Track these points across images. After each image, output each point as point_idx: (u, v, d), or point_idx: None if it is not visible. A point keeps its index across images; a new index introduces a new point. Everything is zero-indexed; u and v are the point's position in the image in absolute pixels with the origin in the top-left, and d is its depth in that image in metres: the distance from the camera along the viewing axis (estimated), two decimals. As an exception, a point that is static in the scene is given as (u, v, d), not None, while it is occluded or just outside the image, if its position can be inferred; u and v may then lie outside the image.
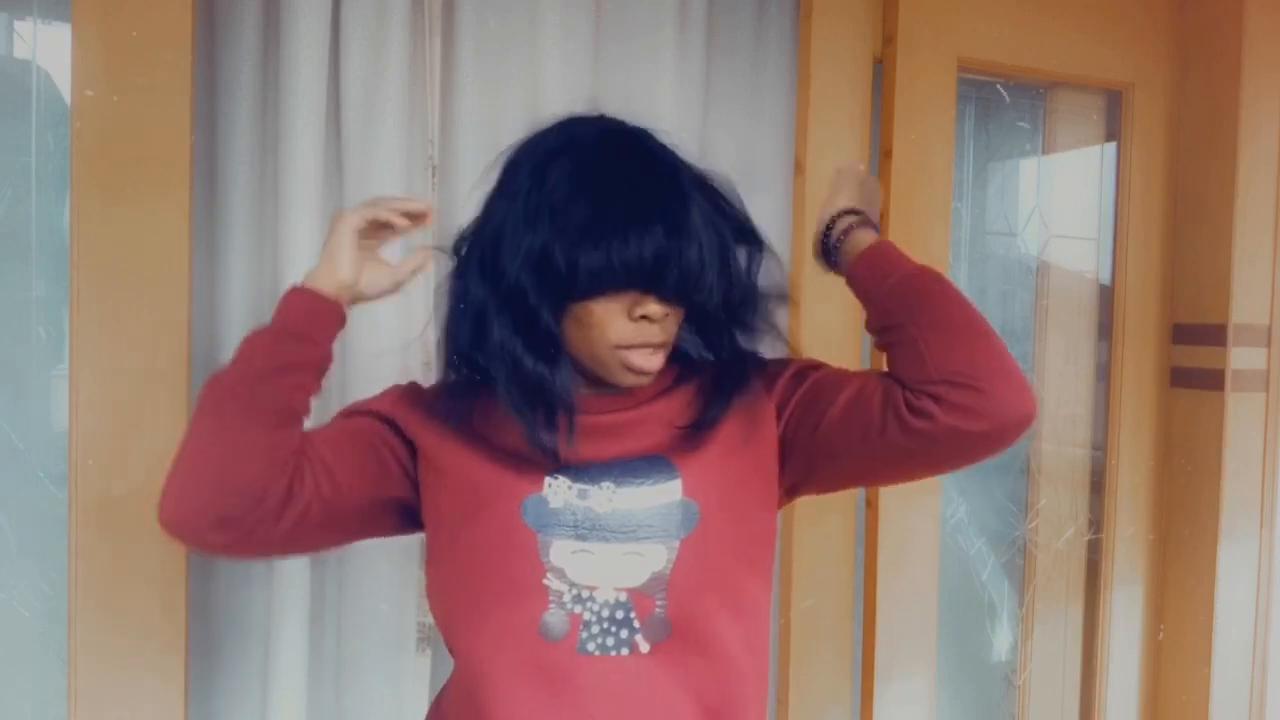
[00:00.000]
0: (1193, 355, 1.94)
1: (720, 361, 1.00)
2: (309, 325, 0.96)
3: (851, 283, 1.02)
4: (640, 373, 0.94)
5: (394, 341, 1.42)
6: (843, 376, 0.99)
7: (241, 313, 1.40)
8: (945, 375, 0.90)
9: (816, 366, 1.03)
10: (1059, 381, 1.99)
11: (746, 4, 1.68)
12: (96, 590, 1.26)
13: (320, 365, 0.97)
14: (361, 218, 0.99)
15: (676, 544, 0.92)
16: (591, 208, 0.88)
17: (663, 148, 0.96)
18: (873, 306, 0.99)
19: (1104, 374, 1.99)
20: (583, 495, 0.93)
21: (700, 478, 0.95)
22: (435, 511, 0.98)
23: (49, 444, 1.35)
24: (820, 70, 1.65)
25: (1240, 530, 1.91)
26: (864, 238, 1.03)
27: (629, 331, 0.91)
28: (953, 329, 0.93)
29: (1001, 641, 2.03)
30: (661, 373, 0.98)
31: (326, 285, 0.97)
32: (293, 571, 1.40)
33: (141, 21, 1.25)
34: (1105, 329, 1.99)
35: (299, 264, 1.36)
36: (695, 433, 0.97)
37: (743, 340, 1.00)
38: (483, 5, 1.49)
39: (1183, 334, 1.96)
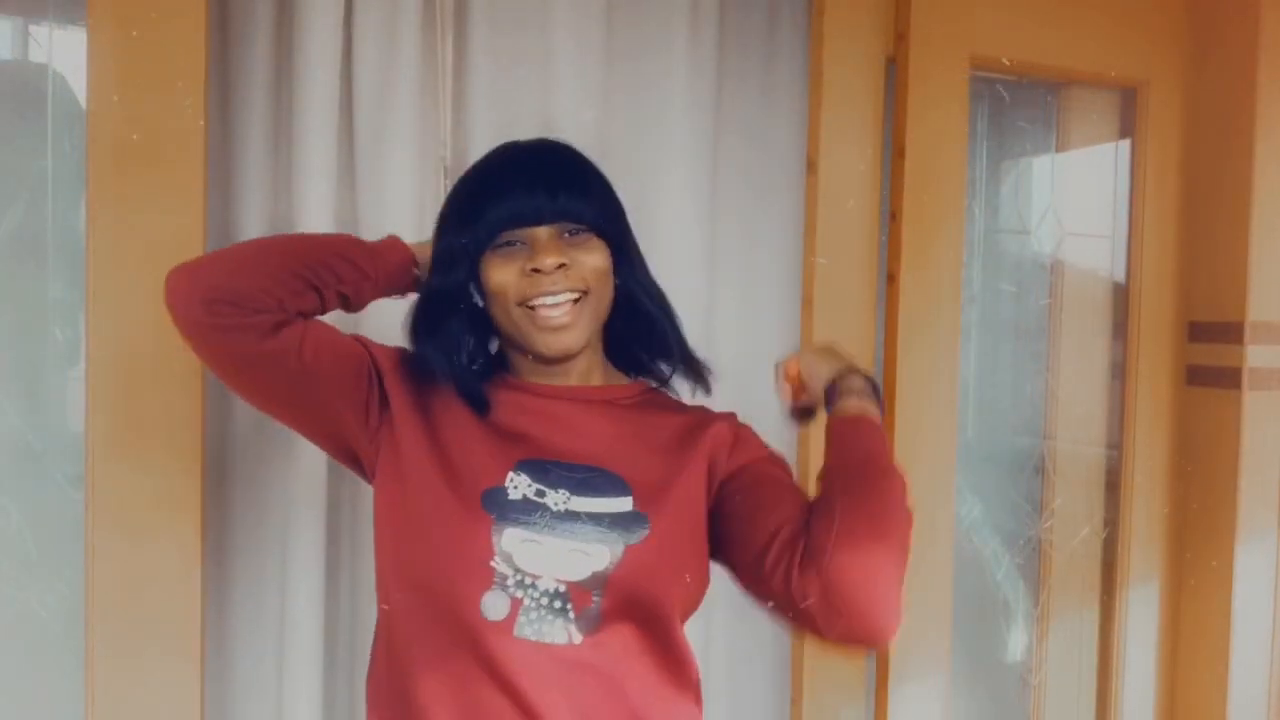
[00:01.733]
0: (1209, 353, 1.92)
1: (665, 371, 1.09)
2: (389, 256, 1.05)
3: (829, 433, 1.03)
4: (550, 327, 0.99)
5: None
6: (779, 496, 1.00)
7: (256, 314, 1.41)
8: (829, 578, 0.89)
9: (775, 461, 1.06)
10: (1073, 380, 1.98)
11: (758, 2, 1.68)
12: (113, 590, 1.27)
13: (371, 286, 1.04)
14: None
15: (621, 549, 0.97)
16: (480, 179, 1.03)
17: (566, 147, 1.06)
18: (832, 462, 1.00)
19: (1119, 372, 1.98)
20: (539, 494, 0.99)
21: (652, 495, 1.00)
22: (394, 469, 1.01)
23: (66, 445, 1.36)
24: (832, 68, 1.65)
25: (1257, 529, 1.89)
26: (852, 403, 1.03)
27: (525, 285, 0.98)
28: (868, 531, 0.92)
29: (1016, 641, 2.02)
30: (606, 385, 1.06)
31: (420, 255, 1.07)
32: (307, 570, 1.40)
33: (156, 25, 1.26)
34: (1120, 327, 1.98)
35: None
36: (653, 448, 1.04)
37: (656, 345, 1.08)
38: (494, 5, 1.49)
39: (1199, 332, 1.94)
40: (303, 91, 1.37)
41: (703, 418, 1.08)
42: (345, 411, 1.01)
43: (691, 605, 1.04)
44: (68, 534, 1.32)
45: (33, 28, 1.37)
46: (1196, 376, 1.95)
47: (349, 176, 1.44)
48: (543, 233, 0.99)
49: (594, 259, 1.01)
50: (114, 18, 1.24)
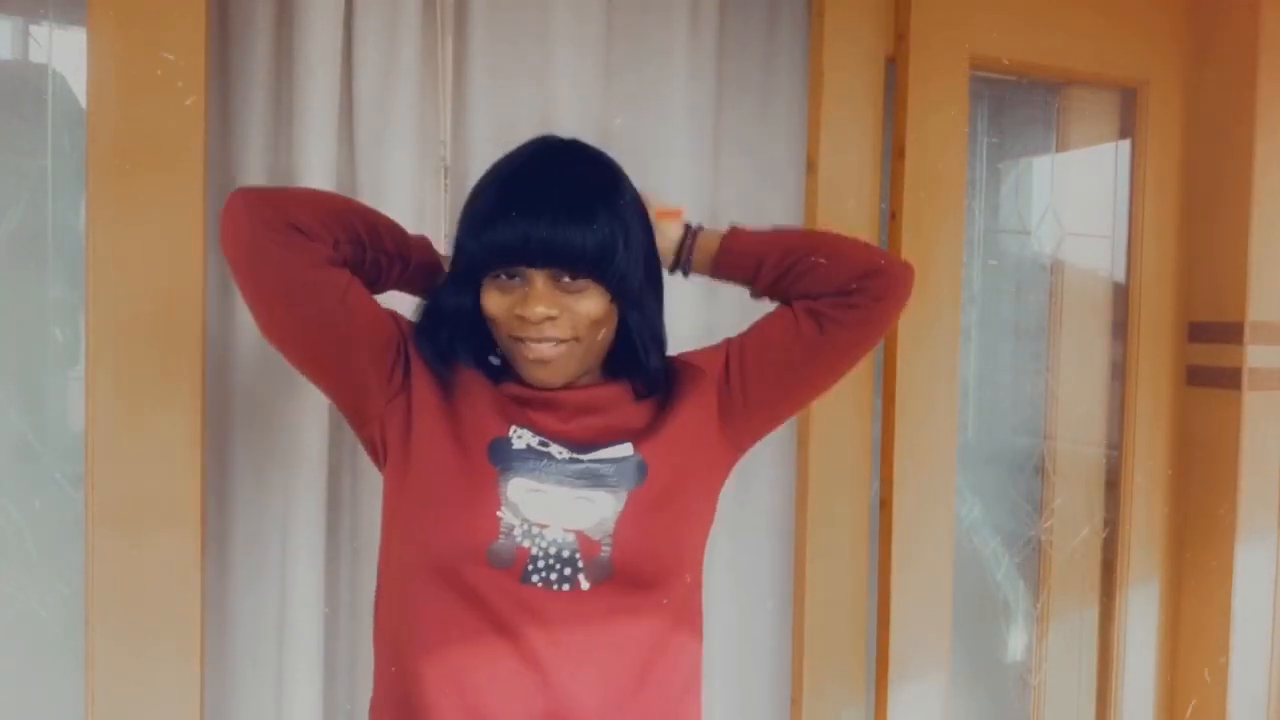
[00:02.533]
0: (1209, 353, 1.92)
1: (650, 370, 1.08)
2: (422, 255, 1.09)
3: (727, 262, 1.13)
4: (534, 360, 1.00)
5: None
6: (760, 328, 1.12)
7: (256, 314, 1.41)
8: (861, 272, 1.08)
9: (733, 339, 1.14)
10: (1074, 380, 1.98)
11: (758, 2, 1.68)
12: (113, 590, 1.27)
13: (400, 272, 1.06)
14: None
15: (625, 495, 1.00)
16: (492, 193, 1.00)
17: (589, 158, 1.05)
18: (765, 263, 1.11)
19: (1119, 373, 1.98)
20: (543, 444, 1.01)
21: (652, 444, 1.04)
22: (406, 433, 1.02)
23: (66, 445, 1.36)
24: (832, 68, 1.65)
25: (1257, 529, 1.89)
26: (710, 235, 1.14)
27: (515, 324, 0.99)
28: (832, 245, 1.11)
29: (1016, 641, 2.02)
30: (601, 381, 1.07)
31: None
32: (306, 570, 1.40)
33: (156, 25, 1.26)
34: (1120, 327, 1.98)
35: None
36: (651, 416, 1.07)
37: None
38: (494, 5, 1.49)
39: (1199, 332, 1.94)
40: (303, 91, 1.37)
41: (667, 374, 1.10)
42: (369, 369, 1.01)
43: (701, 542, 1.07)
44: (68, 534, 1.32)
45: (33, 28, 1.37)
46: (1196, 376, 1.95)
47: (349, 176, 1.44)
48: (537, 276, 0.97)
49: (587, 306, 0.98)
50: (114, 18, 1.24)
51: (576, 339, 0.99)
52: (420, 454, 1.01)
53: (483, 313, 1.01)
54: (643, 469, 1.01)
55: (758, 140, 1.68)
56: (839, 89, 1.65)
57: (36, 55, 1.36)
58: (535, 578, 0.95)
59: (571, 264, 0.96)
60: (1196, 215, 1.94)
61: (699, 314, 1.58)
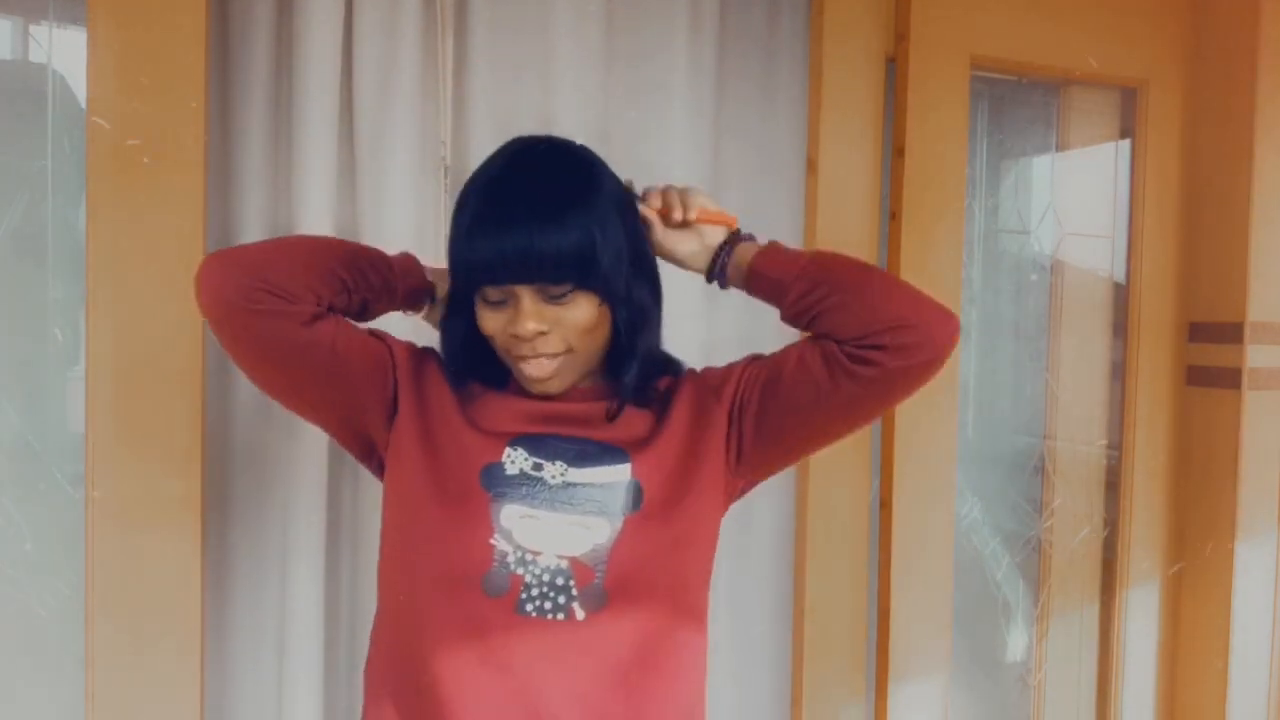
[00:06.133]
0: (1209, 353, 1.92)
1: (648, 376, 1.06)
2: (409, 279, 1.06)
3: (756, 282, 1.06)
4: (534, 379, 0.99)
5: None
6: (779, 357, 1.05)
7: (256, 314, 1.41)
8: (886, 323, 0.97)
9: (755, 359, 1.08)
10: (1074, 380, 1.98)
11: (759, 2, 1.68)
12: (113, 590, 1.27)
13: (389, 301, 1.04)
14: None
15: (621, 520, 0.97)
16: (472, 207, 0.97)
17: (560, 157, 1.02)
18: (790, 292, 1.03)
19: (1119, 372, 1.98)
20: (537, 468, 0.98)
21: (650, 465, 1.00)
22: (399, 455, 1.01)
23: (65, 445, 1.36)
24: (832, 68, 1.65)
25: (1257, 529, 1.89)
26: (748, 248, 1.07)
27: (510, 343, 0.98)
28: (871, 286, 1.00)
29: (1016, 641, 2.02)
30: (603, 390, 1.04)
31: (433, 278, 1.08)
32: (307, 571, 1.40)
33: (156, 25, 1.26)
34: (1120, 327, 1.98)
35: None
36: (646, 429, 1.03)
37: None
38: (494, 6, 1.49)
39: (1199, 332, 1.94)
40: (303, 92, 1.37)
41: (674, 385, 1.08)
42: (370, 405, 1.01)
43: (704, 568, 1.04)
44: (68, 534, 1.32)
45: (33, 28, 1.37)
46: (1196, 376, 1.95)
47: (349, 176, 1.44)
48: (524, 293, 0.95)
49: (577, 316, 0.96)
50: (114, 18, 1.24)
51: (571, 350, 0.98)
52: (415, 473, 0.99)
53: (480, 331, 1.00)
54: (638, 492, 0.98)
55: (758, 140, 1.68)
56: (839, 89, 1.65)
57: (36, 55, 1.36)
58: (529, 606, 0.94)
59: (551, 275, 0.94)
60: (1196, 215, 1.94)
61: (733, 323, 1.58)
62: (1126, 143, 1.96)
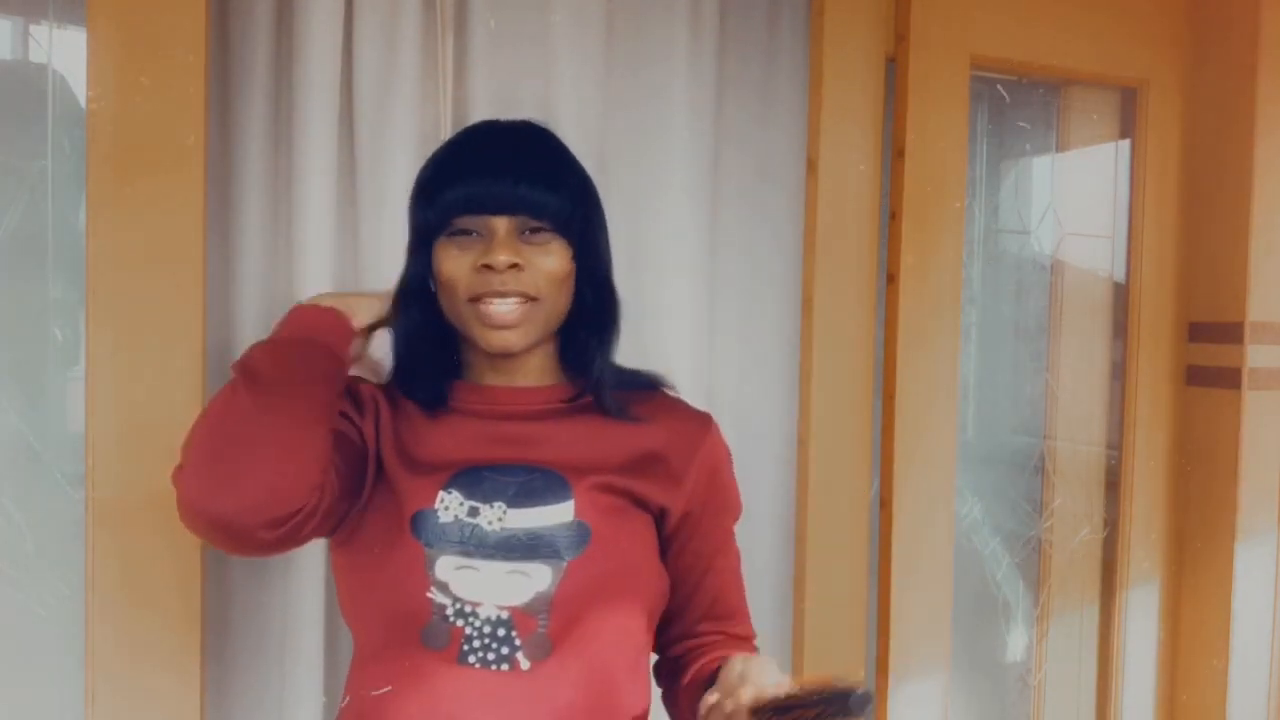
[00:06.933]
0: (1209, 353, 1.92)
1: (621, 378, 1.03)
2: (339, 343, 0.99)
3: None
4: (495, 325, 0.94)
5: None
6: (719, 587, 1.04)
7: (256, 312, 1.41)
8: None
9: (728, 533, 1.06)
10: (1074, 380, 1.98)
11: (759, 2, 1.68)
12: (113, 591, 1.27)
13: (342, 371, 0.99)
14: None
15: (564, 565, 0.92)
16: (444, 157, 0.97)
17: (543, 132, 1.01)
18: None
19: (1119, 372, 1.98)
20: (473, 513, 0.93)
21: (594, 499, 0.95)
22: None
23: (66, 445, 1.36)
24: (832, 68, 1.64)
25: (1257, 529, 1.89)
26: None
27: (476, 281, 0.94)
28: None
29: (1016, 641, 2.02)
30: (561, 385, 1.02)
31: (342, 305, 1.02)
32: (308, 570, 1.40)
33: (155, 25, 1.26)
34: (1120, 327, 1.98)
35: (313, 263, 1.37)
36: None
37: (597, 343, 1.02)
38: (495, 3, 1.49)
39: (1199, 332, 1.94)
40: (303, 91, 1.37)
41: (681, 426, 1.03)
42: (364, 492, 0.99)
43: (650, 614, 1.00)
44: (68, 534, 1.32)
45: (33, 28, 1.37)
46: (1196, 376, 1.95)
47: (349, 176, 1.44)
48: (500, 225, 0.93)
49: (551, 263, 0.95)
50: (113, 17, 1.24)
51: (537, 299, 0.95)
52: (356, 522, 0.96)
53: (438, 282, 0.96)
54: (583, 533, 0.93)
55: (757, 140, 1.68)
56: (839, 89, 1.65)
57: (36, 55, 1.36)
58: (472, 658, 0.90)
59: (536, 210, 0.92)
60: (1196, 215, 1.94)
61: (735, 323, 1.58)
62: (1126, 143, 1.96)
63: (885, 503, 1.72)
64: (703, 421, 1.06)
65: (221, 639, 1.43)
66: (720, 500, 1.06)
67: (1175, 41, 1.92)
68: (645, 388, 1.07)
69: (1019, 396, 2.01)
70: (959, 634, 1.81)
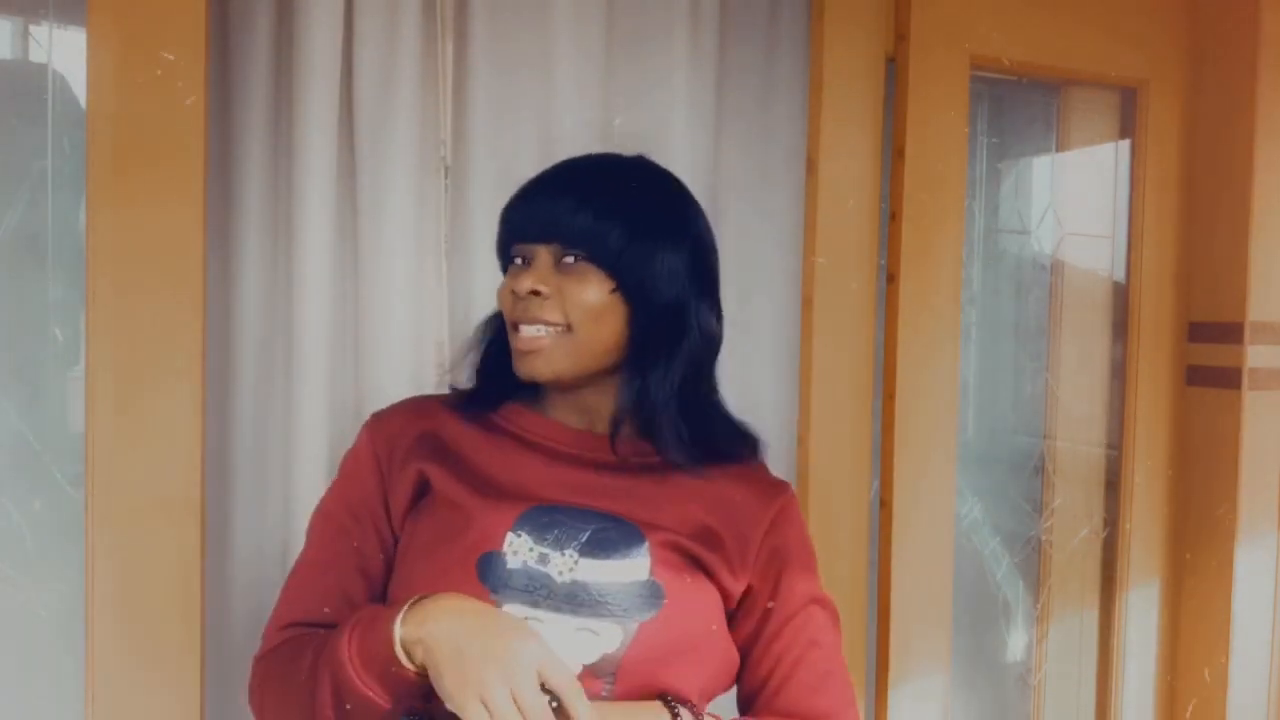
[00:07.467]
0: (1209, 353, 1.92)
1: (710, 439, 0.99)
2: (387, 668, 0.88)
3: None
4: (521, 350, 0.93)
5: (408, 341, 1.42)
6: (789, 652, 0.98)
7: (256, 313, 1.41)
8: None
9: (811, 607, 0.99)
10: (1074, 380, 1.98)
11: (759, 2, 1.68)
12: (113, 591, 1.26)
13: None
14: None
15: (635, 626, 0.88)
16: (516, 191, 0.96)
17: (623, 164, 0.99)
18: None
19: (1119, 372, 1.98)
20: (542, 560, 0.89)
21: (666, 557, 0.91)
22: (410, 537, 0.96)
23: (65, 445, 1.36)
24: (832, 68, 1.64)
25: (1257, 530, 1.89)
26: None
27: (508, 304, 0.94)
28: None
29: (1016, 641, 2.02)
30: (645, 449, 0.97)
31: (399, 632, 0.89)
32: (307, 572, 1.40)
33: (156, 25, 1.26)
34: (1120, 327, 1.98)
35: (312, 265, 1.37)
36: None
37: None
38: (495, 7, 1.49)
39: (1199, 332, 1.94)
40: (303, 91, 1.37)
41: (758, 490, 0.99)
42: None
43: (719, 685, 0.96)
44: (68, 534, 1.32)
45: (33, 28, 1.37)
46: (1196, 376, 1.95)
47: (349, 176, 1.44)
48: (541, 252, 0.92)
49: (582, 292, 0.91)
50: (114, 17, 1.24)
51: (568, 327, 0.92)
52: (413, 559, 0.93)
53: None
54: (656, 593, 0.88)
55: (757, 141, 1.68)
56: (839, 89, 1.65)
57: (36, 55, 1.36)
58: None
59: (570, 239, 0.91)
60: (1196, 215, 1.94)
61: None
62: (1126, 143, 1.96)
63: (885, 503, 1.72)
64: (771, 495, 1.01)
65: (221, 639, 1.43)
66: (784, 581, 0.99)
67: (1175, 41, 1.92)
68: (733, 454, 1.02)
69: (1019, 396, 2.01)
70: (959, 634, 1.81)
